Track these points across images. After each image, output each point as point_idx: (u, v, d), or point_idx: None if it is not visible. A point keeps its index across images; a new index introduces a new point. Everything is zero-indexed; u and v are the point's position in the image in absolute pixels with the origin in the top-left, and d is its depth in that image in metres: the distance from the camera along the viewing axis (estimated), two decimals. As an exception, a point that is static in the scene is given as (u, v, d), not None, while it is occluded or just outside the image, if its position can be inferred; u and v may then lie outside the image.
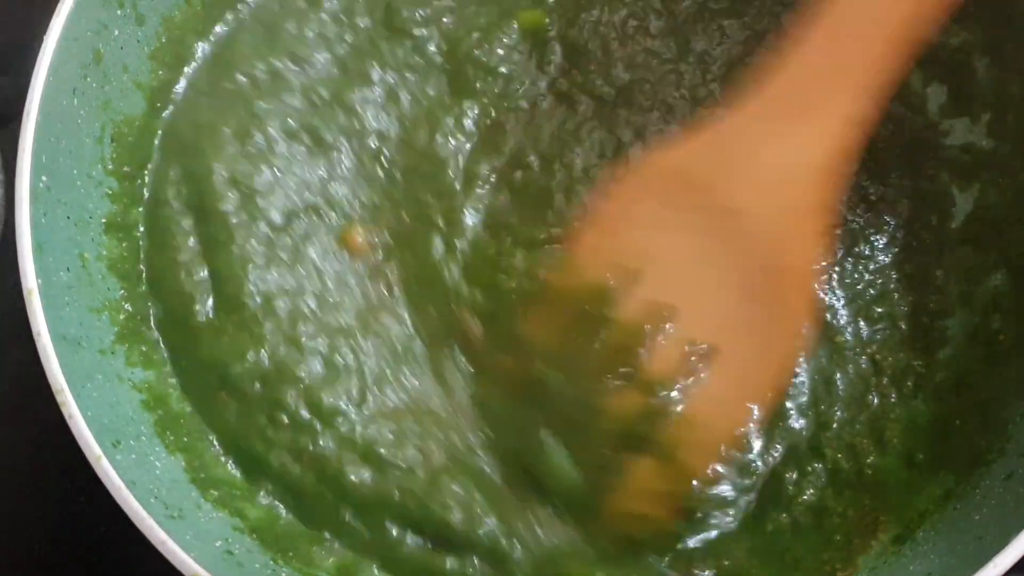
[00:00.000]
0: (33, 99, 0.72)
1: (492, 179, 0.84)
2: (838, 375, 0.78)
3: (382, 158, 0.85)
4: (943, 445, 0.74)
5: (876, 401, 0.77)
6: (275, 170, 0.83)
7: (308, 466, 0.75)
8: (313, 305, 0.80)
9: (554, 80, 0.87)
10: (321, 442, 0.75)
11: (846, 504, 0.74)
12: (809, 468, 0.75)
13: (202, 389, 0.78)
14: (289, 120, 0.85)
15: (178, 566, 0.63)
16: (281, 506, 0.75)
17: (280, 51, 0.87)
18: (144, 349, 0.78)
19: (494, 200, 0.83)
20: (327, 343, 0.78)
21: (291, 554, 0.73)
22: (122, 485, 0.64)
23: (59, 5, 0.74)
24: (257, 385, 0.77)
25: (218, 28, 0.89)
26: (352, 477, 0.74)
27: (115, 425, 0.70)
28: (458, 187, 0.84)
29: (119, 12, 0.80)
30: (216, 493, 0.74)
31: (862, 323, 0.79)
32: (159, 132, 0.86)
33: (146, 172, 0.84)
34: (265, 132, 0.84)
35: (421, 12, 0.89)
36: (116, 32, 0.80)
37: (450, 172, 0.84)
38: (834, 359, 0.78)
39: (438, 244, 0.82)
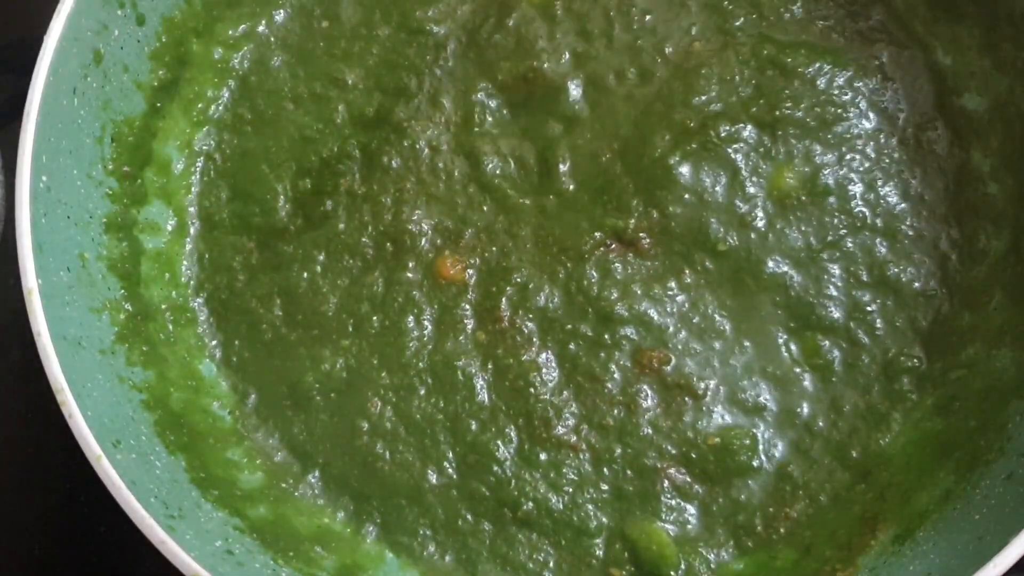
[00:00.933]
0: (33, 99, 0.72)
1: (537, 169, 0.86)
2: (839, 375, 0.78)
3: (439, 171, 0.86)
4: (943, 445, 0.74)
5: (877, 401, 0.77)
6: (339, 191, 0.86)
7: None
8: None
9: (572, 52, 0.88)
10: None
11: (846, 503, 0.75)
12: (811, 466, 0.76)
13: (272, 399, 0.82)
14: (342, 143, 0.87)
15: (178, 566, 0.63)
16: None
17: (314, 73, 0.90)
18: (144, 349, 0.78)
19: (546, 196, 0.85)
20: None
21: (291, 554, 0.73)
22: (122, 485, 0.64)
23: (59, 5, 0.74)
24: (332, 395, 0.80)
25: (245, 52, 0.91)
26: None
27: (115, 425, 0.70)
28: (512, 192, 0.85)
29: (119, 12, 0.80)
30: (216, 493, 0.74)
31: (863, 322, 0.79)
32: (200, 161, 0.89)
33: (192, 198, 0.88)
34: (320, 155, 0.87)
35: (434, 10, 0.90)
36: (116, 32, 0.80)
37: (498, 172, 0.85)
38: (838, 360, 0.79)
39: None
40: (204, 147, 0.89)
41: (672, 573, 0.73)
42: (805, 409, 0.78)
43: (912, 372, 0.78)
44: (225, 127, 0.90)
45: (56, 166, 0.74)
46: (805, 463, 0.76)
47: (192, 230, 0.87)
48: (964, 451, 0.72)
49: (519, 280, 0.82)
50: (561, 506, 0.76)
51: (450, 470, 0.78)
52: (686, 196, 0.82)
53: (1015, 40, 0.80)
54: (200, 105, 0.89)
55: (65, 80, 0.75)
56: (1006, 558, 0.60)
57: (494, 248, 0.83)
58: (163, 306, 0.83)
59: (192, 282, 0.85)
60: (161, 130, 0.86)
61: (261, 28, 0.91)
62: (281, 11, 0.92)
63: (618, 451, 0.77)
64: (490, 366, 0.80)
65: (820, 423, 0.77)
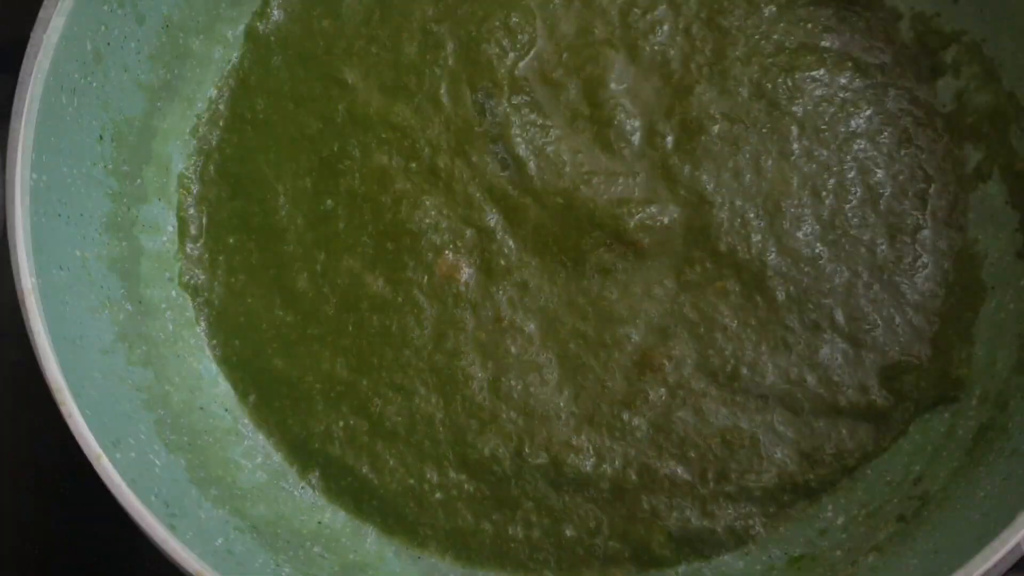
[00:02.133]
0: (26, 97, 0.71)
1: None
2: (840, 375, 0.78)
3: (439, 171, 0.86)
4: (943, 444, 0.74)
5: (877, 400, 0.78)
6: (339, 191, 0.86)
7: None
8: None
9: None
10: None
11: (847, 502, 0.75)
12: (812, 465, 0.76)
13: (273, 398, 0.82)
14: (342, 143, 0.87)
15: (179, 565, 0.63)
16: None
17: (314, 73, 0.89)
18: (144, 349, 0.78)
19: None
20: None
21: (291, 553, 0.73)
22: (122, 484, 0.64)
23: (59, 5, 0.74)
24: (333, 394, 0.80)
25: (245, 52, 0.91)
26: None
27: (115, 424, 0.70)
28: (512, 192, 0.84)
29: (119, 12, 0.80)
30: (216, 492, 0.74)
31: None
32: (200, 161, 0.88)
33: (192, 197, 0.87)
34: (320, 155, 0.87)
35: (434, 10, 0.90)
36: (116, 32, 0.80)
37: (498, 172, 0.85)
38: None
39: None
40: (204, 147, 0.89)
41: (673, 572, 0.73)
42: (805, 409, 0.78)
43: (912, 372, 0.78)
44: (225, 127, 0.90)
45: (56, 165, 0.74)
46: (805, 462, 0.76)
47: (192, 229, 0.87)
48: (964, 450, 0.72)
49: (519, 280, 0.82)
50: (561, 506, 0.76)
51: (450, 470, 0.78)
52: (686, 196, 0.82)
53: (1015, 39, 0.80)
54: (200, 105, 0.89)
55: (65, 80, 0.75)
56: (1011, 533, 0.60)
57: (494, 248, 0.83)
58: (163, 306, 0.83)
59: (192, 282, 0.85)
60: (161, 130, 0.86)
61: (261, 28, 0.91)
62: (281, 11, 0.92)
63: (618, 450, 0.77)
64: (490, 366, 0.80)
65: (820, 424, 0.77)
